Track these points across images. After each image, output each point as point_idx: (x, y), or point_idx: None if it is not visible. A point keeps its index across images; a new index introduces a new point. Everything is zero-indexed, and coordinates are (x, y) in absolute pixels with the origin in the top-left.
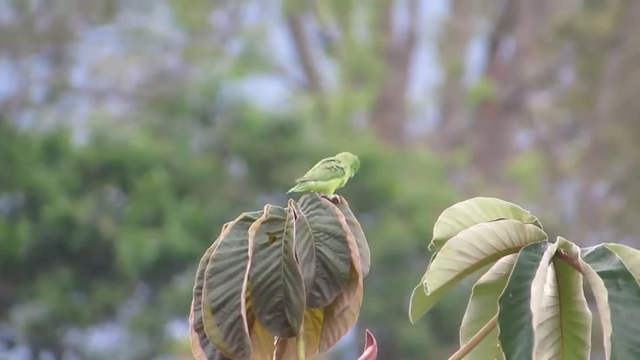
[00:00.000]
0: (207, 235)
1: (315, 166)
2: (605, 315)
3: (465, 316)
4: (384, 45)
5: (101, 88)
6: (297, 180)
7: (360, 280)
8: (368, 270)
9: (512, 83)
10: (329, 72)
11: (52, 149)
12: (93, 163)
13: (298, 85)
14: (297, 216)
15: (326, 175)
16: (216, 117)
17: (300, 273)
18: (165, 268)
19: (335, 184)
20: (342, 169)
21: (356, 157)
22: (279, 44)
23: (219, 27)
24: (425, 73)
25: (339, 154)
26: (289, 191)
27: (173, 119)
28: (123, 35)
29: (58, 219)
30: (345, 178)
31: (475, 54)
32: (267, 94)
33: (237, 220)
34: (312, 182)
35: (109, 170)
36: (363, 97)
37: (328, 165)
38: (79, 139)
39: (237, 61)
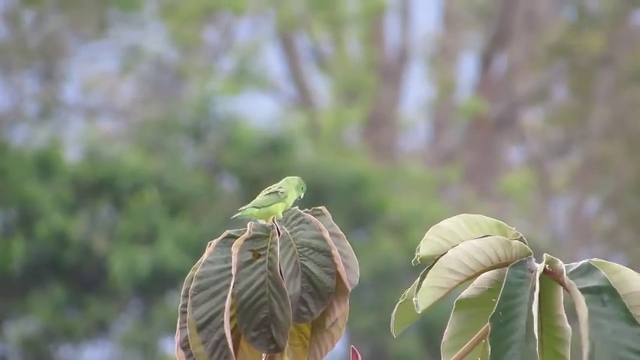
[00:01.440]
0: (199, 252)
1: (259, 195)
2: (585, 332)
3: (447, 330)
4: (377, 61)
5: (94, 105)
6: (240, 209)
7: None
8: (357, 281)
9: (504, 100)
10: (321, 88)
11: (45, 165)
12: (86, 180)
13: (291, 102)
14: (281, 232)
15: (266, 202)
16: (208, 134)
17: (285, 289)
18: (158, 285)
19: (279, 208)
20: (284, 192)
21: (299, 179)
22: (272, 61)
23: (212, 44)
24: (417, 90)
25: (282, 180)
26: (232, 217)
27: (166, 136)
28: (116, 52)
29: (51, 235)
30: (291, 201)
31: (467, 70)
32: (259, 111)
33: (220, 238)
34: (255, 209)
35: (102, 187)
36: (355, 114)
37: (269, 192)
38: (72, 155)
39: (230, 78)
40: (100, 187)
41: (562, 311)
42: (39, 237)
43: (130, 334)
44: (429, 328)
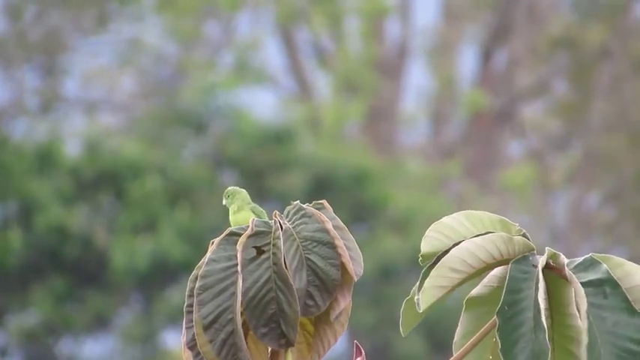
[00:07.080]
0: (201, 245)
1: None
2: (584, 324)
3: (458, 329)
4: (377, 55)
5: (94, 99)
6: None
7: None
8: (362, 271)
9: (504, 93)
10: (322, 82)
11: (46, 158)
12: (86, 173)
13: (291, 96)
14: (284, 227)
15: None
16: (210, 126)
17: (292, 283)
18: (158, 278)
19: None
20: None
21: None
22: (272, 55)
23: (213, 38)
24: (417, 84)
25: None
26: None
27: (167, 129)
28: (116, 46)
29: (52, 228)
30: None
31: (468, 64)
32: (259, 105)
33: (222, 235)
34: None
35: (103, 180)
36: (356, 108)
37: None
38: (73, 148)
39: (230, 72)
40: (100, 180)
41: (574, 309)
42: (39, 230)
43: (131, 328)
44: (432, 326)
